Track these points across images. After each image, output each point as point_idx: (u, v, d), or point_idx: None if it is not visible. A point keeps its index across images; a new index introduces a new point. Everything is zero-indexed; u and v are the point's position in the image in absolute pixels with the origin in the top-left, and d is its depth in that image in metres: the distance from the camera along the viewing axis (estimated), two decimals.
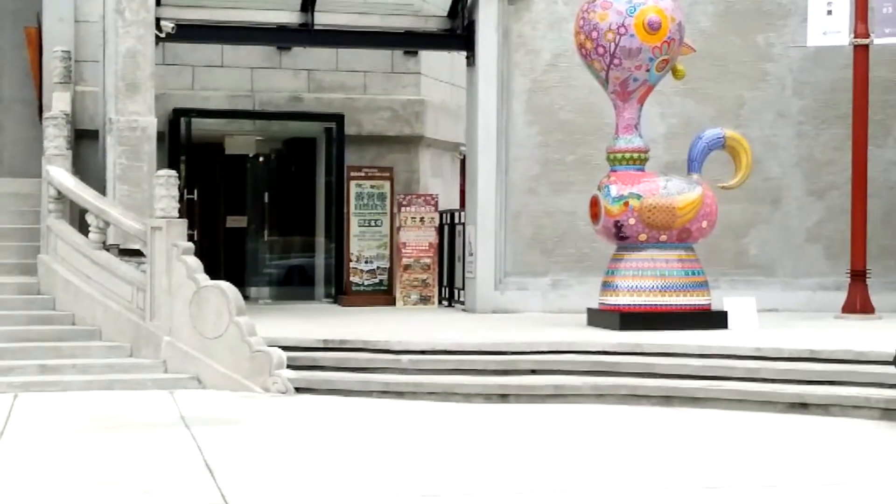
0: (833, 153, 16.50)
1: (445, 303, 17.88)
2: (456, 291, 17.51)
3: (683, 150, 14.34)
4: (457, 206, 19.00)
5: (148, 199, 13.21)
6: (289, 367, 11.50)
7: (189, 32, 15.87)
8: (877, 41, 15.55)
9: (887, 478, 7.92)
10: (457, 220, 17.67)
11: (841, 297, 15.47)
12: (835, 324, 14.39)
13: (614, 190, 13.54)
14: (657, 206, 13.44)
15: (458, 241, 17.47)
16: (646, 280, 13.44)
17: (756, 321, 13.44)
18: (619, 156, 13.78)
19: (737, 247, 16.60)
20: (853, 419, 10.14)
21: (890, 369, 10.07)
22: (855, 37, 15.54)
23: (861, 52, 15.56)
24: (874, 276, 15.44)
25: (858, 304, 15.21)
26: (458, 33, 16.96)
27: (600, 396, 11.01)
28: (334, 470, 7.95)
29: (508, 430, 9.64)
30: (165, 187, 12.36)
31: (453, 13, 16.93)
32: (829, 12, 15.73)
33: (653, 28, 13.33)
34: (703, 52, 15.19)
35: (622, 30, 13.32)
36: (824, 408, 10.38)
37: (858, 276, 15.35)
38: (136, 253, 12.76)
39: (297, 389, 11.30)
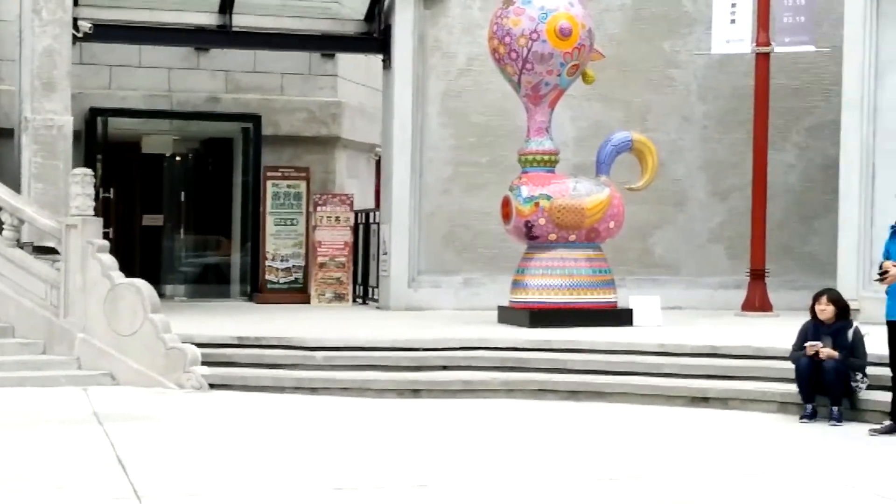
0: (735, 157, 16.74)
1: (360, 300, 17.83)
2: (370, 289, 17.48)
3: (592, 152, 14.47)
4: (372, 205, 18.96)
5: (63, 198, 12.99)
6: (203, 363, 11.37)
7: (106, 32, 15.63)
8: (777, 49, 15.84)
9: (780, 467, 8.07)
10: (372, 220, 17.65)
11: (741, 295, 15.75)
12: (735, 321, 14.64)
13: (525, 191, 13.62)
14: (567, 206, 13.55)
15: (372, 240, 17.44)
16: (555, 279, 13.54)
17: (660, 318, 13.58)
18: (530, 158, 13.86)
19: (643, 246, 16.78)
20: (751, 412, 10.33)
21: (787, 364, 10.24)
22: (757, 45, 15.81)
23: (762, 60, 15.83)
24: (773, 275, 15.72)
25: (757, 302, 15.50)
26: (374, 37, 16.95)
27: (510, 391, 11.08)
28: (246, 464, 7.88)
29: (419, 425, 9.65)
30: (81, 185, 12.15)
31: (370, 17, 16.91)
32: (733, 21, 15.98)
33: (564, 34, 13.43)
34: (612, 58, 15.31)
35: (534, 35, 13.40)
36: (724, 401, 10.55)
37: (758, 275, 15.63)
38: (51, 251, 12.53)
39: (212, 386, 11.18)
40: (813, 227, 16.55)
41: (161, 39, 16.78)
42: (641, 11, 17.04)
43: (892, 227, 9.53)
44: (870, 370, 9.92)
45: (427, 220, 16.33)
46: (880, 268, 9.36)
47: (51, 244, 12.49)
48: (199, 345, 11.56)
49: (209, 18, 16.34)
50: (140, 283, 11.85)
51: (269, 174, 18.17)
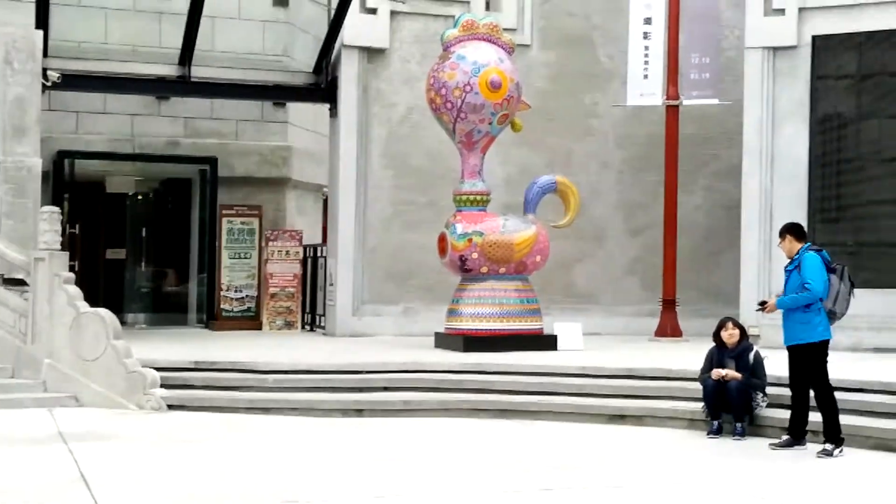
0: (648, 198, 16.90)
1: (308, 327, 17.69)
2: (318, 317, 17.35)
3: (521, 193, 14.52)
4: (319, 241, 18.86)
5: (32, 233, 12.73)
6: (162, 386, 11.21)
7: (74, 82, 15.43)
8: (686, 102, 16.05)
9: (690, 478, 8.12)
10: (319, 254, 17.55)
11: (654, 322, 15.85)
12: (649, 346, 14.72)
13: (460, 228, 13.64)
14: (497, 242, 13.59)
15: (320, 273, 17.34)
16: (486, 307, 13.55)
17: (581, 343, 13.61)
18: (464, 198, 13.90)
19: (566, 278, 16.85)
20: (664, 428, 10.37)
21: (695, 385, 10.32)
22: (667, 98, 16.01)
23: (672, 112, 16.03)
24: (682, 304, 15.85)
25: (669, 328, 15.61)
26: (322, 88, 16.91)
27: (446, 410, 11.02)
28: (202, 479, 7.77)
29: (362, 442, 9.56)
30: (49, 222, 11.97)
31: (318, 69, 16.88)
32: (646, 77, 16.19)
33: (495, 87, 13.52)
34: (538, 108, 15.41)
35: (468, 87, 13.48)
36: (640, 419, 10.59)
37: (669, 304, 15.76)
38: (20, 282, 12.30)
39: (170, 406, 11.01)
40: (718, 261, 16.74)
41: (124, 88, 16.60)
42: (564, 67, 17.21)
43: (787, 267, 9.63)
44: (769, 390, 10.03)
45: (370, 254, 16.28)
46: (762, 303, 9.69)
47: (20, 276, 12.26)
48: (159, 369, 11.40)
49: (169, 70, 16.19)
50: (103, 311, 11.67)
51: (224, 212, 18.03)
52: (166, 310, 18.96)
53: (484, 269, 13.62)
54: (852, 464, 8.71)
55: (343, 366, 11.88)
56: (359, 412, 10.97)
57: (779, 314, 9.58)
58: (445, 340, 13.68)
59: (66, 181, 17.69)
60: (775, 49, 15.27)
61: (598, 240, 17.20)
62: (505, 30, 14.63)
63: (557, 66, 17.18)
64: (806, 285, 9.16)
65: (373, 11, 16.34)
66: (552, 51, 17.22)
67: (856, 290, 9.61)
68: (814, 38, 15.12)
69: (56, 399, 11.26)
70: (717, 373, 9.95)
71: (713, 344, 10.31)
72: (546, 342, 13.53)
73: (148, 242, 19.23)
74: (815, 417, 9.30)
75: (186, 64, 16.05)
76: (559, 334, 13.70)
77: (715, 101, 16.09)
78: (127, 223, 19.35)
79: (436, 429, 10.30)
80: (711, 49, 16.14)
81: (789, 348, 9.38)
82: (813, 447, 9.17)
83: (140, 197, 19.79)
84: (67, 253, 12.47)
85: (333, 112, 16.73)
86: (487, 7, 16.84)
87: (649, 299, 16.46)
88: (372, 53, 16.40)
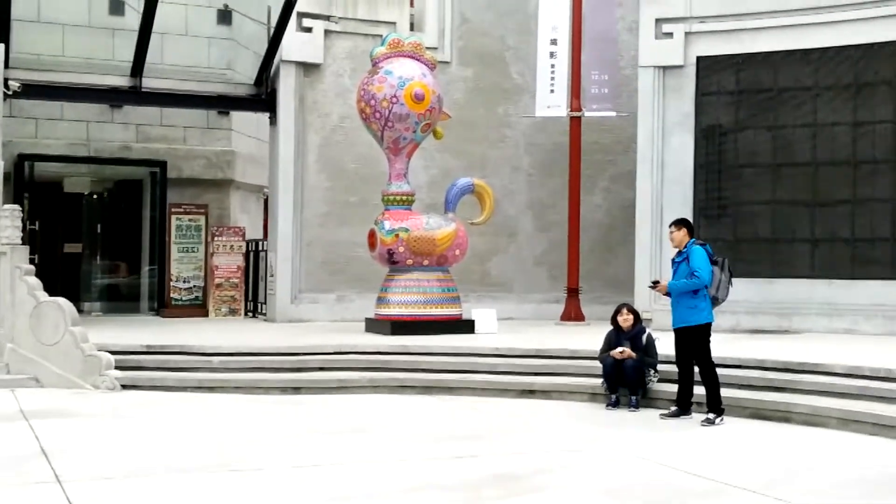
0: (555, 198, 17.01)
1: (251, 314, 17.49)
2: (259, 305, 17.15)
3: (442, 194, 14.54)
4: (261, 236, 18.66)
5: None
6: (116, 368, 11.00)
7: (33, 91, 15.03)
8: (587, 114, 16.20)
9: (590, 442, 8.22)
10: (260, 248, 17.37)
11: (560, 308, 15.98)
12: (555, 329, 14.84)
13: (387, 225, 13.62)
14: (421, 237, 13.59)
15: (261, 265, 17.16)
16: (411, 295, 13.55)
17: (496, 327, 13.67)
18: (391, 198, 13.88)
19: (482, 269, 16.92)
20: (568, 402, 10.48)
21: (596, 363, 10.43)
22: (571, 110, 16.15)
23: (575, 122, 16.17)
24: (585, 292, 16.01)
25: (573, 313, 15.76)
26: (262, 98, 16.70)
27: (375, 387, 11.01)
28: (153, 451, 7.65)
29: (299, 416, 9.49)
30: (10, 219, 11.66)
31: (259, 82, 16.69)
32: (552, 91, 16.31)
33: (418, 99, 13.51)
34: (457, 118, 15.46)
35: (394, 99, 13.45)
36: (547, 393, 10.68)
37: (573, 292, 15.91)
38: None
39: (124, 387, 10.82)
40: (616, 254, 16.94)
41: (80, 98, 16.23)
42: (481, 82, 17.26)
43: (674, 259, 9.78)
44: (659, 367, 10.18)
45: (307, 248, 16.16)
46: (655, 282, 9.80)
47: None
48: (113, 352, 11.18)
49: (122, 81, 15.86)
50: (61, 300, 11.42)
51: (173, 210, 17.74)
52: (120, 299, 18.59)
53: (409, 262, 13.62)
54: (731, 430, 8.90)
55: (282, 348, 11.79)
56: (296, 390, 10.89)
57: (668, 302, 9.73)
58: (375, 325, 13.64)
59: (26, 182, 17.31)
60: (665, 68, 15.50)
61: (511, 235, 17.29)
62: (427, 48, 14.63)
63: (474, 81, 17.23)
64: (695, 273, 9.31)
65: (308, 30, 16.21)
66: (470, 67, 17.26)
67: (734, 280, 9.82)
68: (698, 58, 15.39)
69: (18, 381, 10.98)
70: (616, 352, 10.07)
71: (611, 327, 10.43)
72: (464, 326, 13.57)
73: (103, 238, 18.83)
74: (699, 391, 9.47)
75: (138, 75, 15.74)
76: (476, 319, 13.74)
77: (613, 114, 16.27)
78: (83, 220, 18.93)
79: (366, 404, 10.28)
80: (610, 67, 16.32)
81: (677, 330, 9.53)
82: (698, 416, 9.34)
83: (95, 196, 19.36)
84: (28, 247, 12.15)
85: (273, 120, 16.56)
86: (412, 28, 16.82)
87: (556, 288, 16.59)
88: (308, 68, 16.26)
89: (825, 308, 14.23)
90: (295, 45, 16.03)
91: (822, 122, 14.76)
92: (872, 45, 14.37)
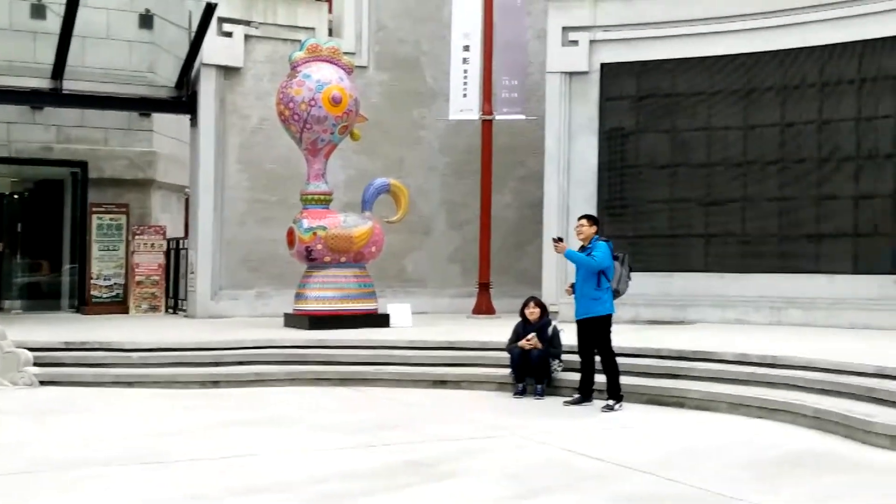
0: (467, 198, 17.05)
1: (171, 311, 17.11)
2: (180, 302, 16.80)
3: (359, 193, 14.43)
4: (182, 234, 18.29)
5: None
6: (35, 364, 10.64)
7: None
8: (498, 118, 16.28)
9: (498, 428, 8.24)
10: (181, 246, 17.00)
11: (472, 302, 16.04)
12: (467, 322, 14.86)
13: (306, 223, 13.46)
14: (338, 235, 13.47)
15: (182, 263, 16.82)
16: (329, 291, 13.42)
17: (410, 321, 13.63)
18: (309, 197, 13.72)
19: (398, 266, 16.87)
20: (478, 391, 10.49)
21: (504, 354, 10.46)
22: (483, 114, 16.22)
23: (487, 125, 16.24)
24: (495, 286, 16.07)
25: (484, 307, 15.81)
26: (183, 100, 16.37)
27: (293, 380, 10.85)
28: (70, 444, 7.42)
29: (216, 409, 9.31)
30: None
31: (180, 84, 16.35)
32: (465, 95, 16.35)
33: (336, 102, 13.39)
34: (374, 121, 15.37)
35: (312, 102, 13.30)
36: (458, 383, 10.67)
37: (484, 286, 15.97)
38: None
39: (42, 383, 10.46)
40: (525, 251, 17.05)
41: (1, 99, 15.68)
42: (396, 86, 17.21)
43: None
44: (564, 357, 10.26)
45: (227, 246, 15.89)
46: (559, 238, 9.72)
47: None
48: (32, 349, 10.80)
49: (43, 83, 15.38)
50: None
51: (94, 210, 17.25)
52: (41, 297, 18.00)
53: (327, 259, 13.49)
54: (629, 416, 9.01)
55: (201, 343, 11.55)
56: (215, 384, 10.68)
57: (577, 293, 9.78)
58: (293, 320, 13.48)
59: None
60: (571, 74, 15.66)
61: (426, 233, 17.28)
62: (345, 53, 14.51)
63: (390, 85, 17.16)
64: (594, 256, 9.38)
65: (229, 35, 15.93)
66: (386, 72, 17.19)
67: (634, 274, 9.95)
68: (602, 65, 15.59)
69: None
70: (523, 342, 10.12)
71: (520, 319, 10.49)
72: (380, 320, 13.49)
73: (24, 236, 18.22)
74: (601, 379, 9.56)
75: (59, 78, 15.29)
76: (391, 313, 13.68)
77: (522, 117, 16.37)
78: (3, 220, 18.29)
79: (283, 396, 10.14)
80: (519, 73, 16.42)
81: (580, 321, 9.61)
82: (599, 403, 9.44)
83: (16, 196, 18.74)
84: None
85: (194, 122, 16.24)
86: (330, 33, 16.67)
87: (468, 283, 16.63)
88: (228, 71, 15.98)
89: (718, 300, 14.54)
90: (215, 49, 15.74)
91: (715, 125, 15.08)
92: (761, 53, 14.73)
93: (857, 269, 13.86)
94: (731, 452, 7.41)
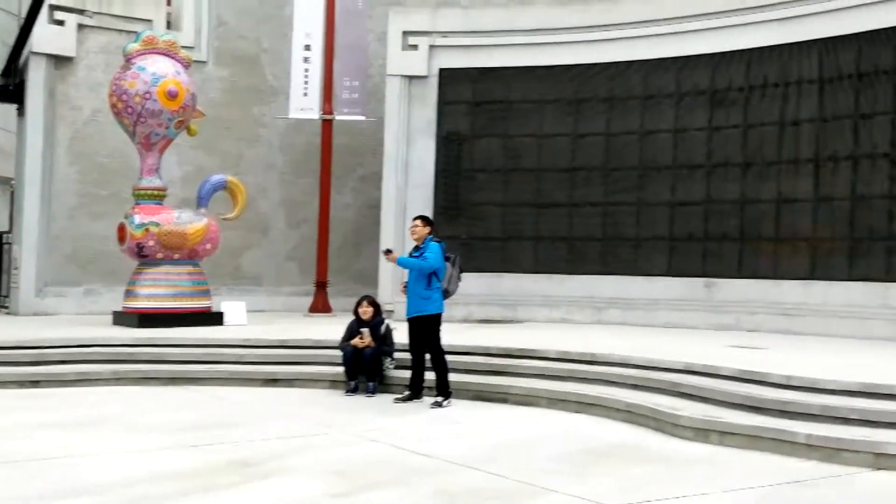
0: (307, 197, 16.86)
1: None
2: (2, 298, 15.86)
3: (195, 189, 14.00)
4: (6, 228, 17.25)
5: None
6: None
7: None
8: (338, 118, 16.18)
9: (322, 425, 8.14)
10: (4, 241, 16.05)
11: (309, 301, 15.87)
12: (304, 320, 14.68)
13: (138, 219, 12.95)
14: (172, 231, 13.03)
15: (5, 257, 15.86)
16: (161, 288, 12.95)
17: (245, 319, 13.33)
18: (142, 192, 13.20)
19: (234, 263, 16.49)
20: (311, 389, 10.35)
21: (337, 352, 10.35)
22: (323, 113, 16.07)
23: (327, 125, 16.11)
24: (333, 285, 15.97)
25: (321, 305, 15.70)
26: (10, 89, 15.49)
27: (119, 379, 10.40)
28: None
29: (34, 410, 8.79)
30: None
31: (7, 73, 15.47)
32: (306, 94, 16.15)
33: (171, 96, 12.94)
34: (212, 117, 14.97)
35: (147, 95, 12.82)
36: (290, 381, 10.51)
37: (321, 285, 15.84)
38: None
39: None
40: (362, 250, 16.97)
41: None
42: (236, 83, 16.83)
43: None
44: (396, 355, 10.25)
45: (54, 241, 15.10)
46: (388, 250, 9.77)
47: None
48: None
49: None
50: None
51: None
52: None
53: (160, 255, 13.02)
54: (457, 412, 9.08)
55: (21, 341, 10.88)
56: (35, 383, 10.09)
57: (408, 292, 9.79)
58: (122, 318, 12.92)
59: None
60: (411, 78, 15.72)
61: (264, 231, 16.96)
62: (183, 47, 14.03)
63: (230, 81, 16.76)
64: (426, 257, 9.42)
65: (60, 23, 15.16)
66: (226, 68, 16.77)
67: (467, 274, 10.10)
68: (441, 70, 15.73)
69: None
70: (356, 340, 10.06)
71: (353, 318, 10.42)
72: (214, 318, 13.13)
73: None
74: (431, 376, 9.61)
75: None
76: (225, 311, 13.34)
77: (362, 118, 16.33)
78: None
79: (107, 396, 9.67)
80: (360, 74, 16.36)
81: (410, 320, 9.64)
82: (429, 400, 9.47)
83: None
84: None
85: (21, 112, 15.39)
86: (168, 26, 16.12)
87: (306, 281, 16.44)
88: (59, 61, 15.19)
89: (545, 300, 14.92)
90: (46, 38, 14.96)
91: (546, 132, 15.46)
92: (590, 65, 15.20)
93: (671, 272, 14.51)
94: (548, 445, 7.58)
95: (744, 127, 14.12)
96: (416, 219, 9.84)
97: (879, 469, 6.74)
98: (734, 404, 8.05)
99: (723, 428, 7.59)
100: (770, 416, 7.67)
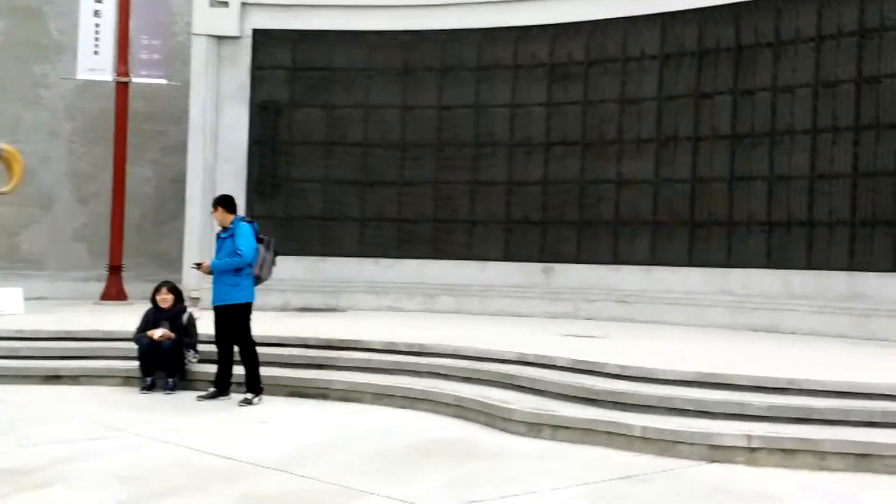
0: (98, 168, 16.12)
1: None
2: None
3: None
4: None
5: None
6: None
7: None
8: (135, 80, 15.59)
9: (114, 427, 7.82)
10: None
11: (101, 287, 15.26)
12: (93, 309, 14.05)
13: None
14: None
15: None
16: None
17: (22, 308, 12.69)
18: None
19: (10, 244, 15.70)
20: (100, 386, 9.92)
21: (131, 344, 9.98)
22: (117, 75, 15.46)
23: (122, 88, 15.51)
24: (129, 269, 15.40)
25: (115, 292, 15.15)
26: None
27: None
28: None
29: None
30: None
31: None
32: (96, 52, 15.47)
33: None
34: None
35: None
36: (75, 378, 10.03)
37: (115, 269, 15.28)
38: None
39: None
40: (165, 230, 16.40)
41: None
42: (13, 37, 15.95)
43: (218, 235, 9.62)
44: (201, 347, 9.98)
45: None
46: (197, 264, 9.65)
47: None
48: None
49: None
50: None
51: None
52: None
53: None
54: (268, 410, 8.92)
55: None
56: None
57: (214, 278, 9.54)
58: None
59: None
60: (220, 38, 15.35)
61: (46, 207, 16.15)
62: None
63: (5, 35, 15.89)
64: (238, 251, 9.22)
65: None
66: (0, 20, 15.81)
67: (285, 258, 9.95)
68: (254, 31, 15.42)
69: None
70: (152, 333, 9.74)
71: (150, 306, 10.07)
72: None
73: None
74: (239, 370, 9.39)
75: None
76: None
77: (164, 82, 15.82)
78: None
79: None
80: (162, 32, 15.82)
81: (217, 308, 9.38)
82: (237, 397, 9.25)
83: None
84: None
85: None
86: None
87: (97, 265, 15.79)
88: None
89: (372, 286, 14.91)
90: None
91: (374, 103, 15.40)
92: (421, 32, 15.24)
93: (507, 257, 14.79)
94: (369, 444, 7.55)
95: (583, 103, 14.52)
96: (214, 205, 9.58)
97: (714, 462, 7.07)
98: (568, 396, 8.27)
99: (556, 422, 7.78)
100: (604, 409, 7.91)
